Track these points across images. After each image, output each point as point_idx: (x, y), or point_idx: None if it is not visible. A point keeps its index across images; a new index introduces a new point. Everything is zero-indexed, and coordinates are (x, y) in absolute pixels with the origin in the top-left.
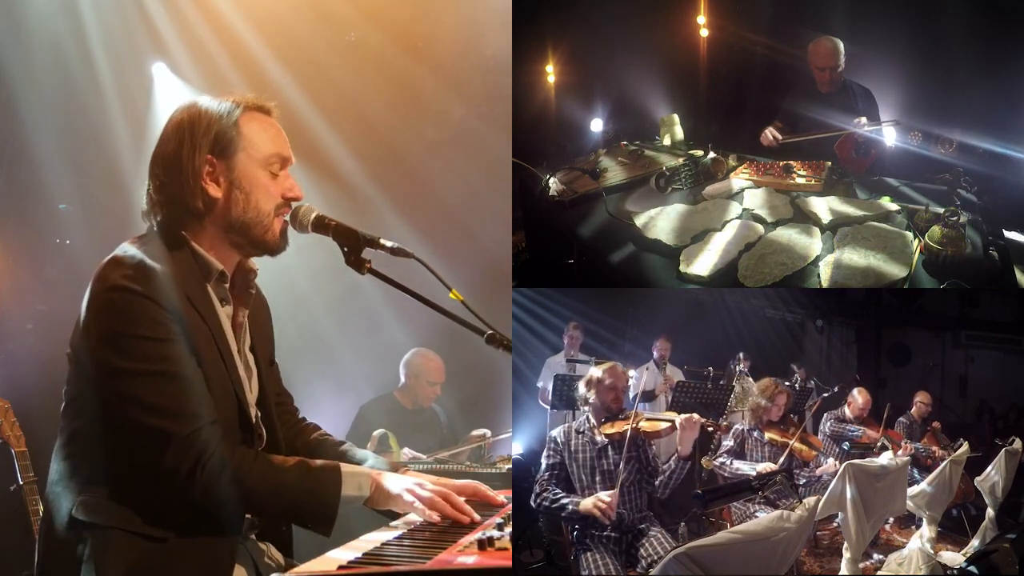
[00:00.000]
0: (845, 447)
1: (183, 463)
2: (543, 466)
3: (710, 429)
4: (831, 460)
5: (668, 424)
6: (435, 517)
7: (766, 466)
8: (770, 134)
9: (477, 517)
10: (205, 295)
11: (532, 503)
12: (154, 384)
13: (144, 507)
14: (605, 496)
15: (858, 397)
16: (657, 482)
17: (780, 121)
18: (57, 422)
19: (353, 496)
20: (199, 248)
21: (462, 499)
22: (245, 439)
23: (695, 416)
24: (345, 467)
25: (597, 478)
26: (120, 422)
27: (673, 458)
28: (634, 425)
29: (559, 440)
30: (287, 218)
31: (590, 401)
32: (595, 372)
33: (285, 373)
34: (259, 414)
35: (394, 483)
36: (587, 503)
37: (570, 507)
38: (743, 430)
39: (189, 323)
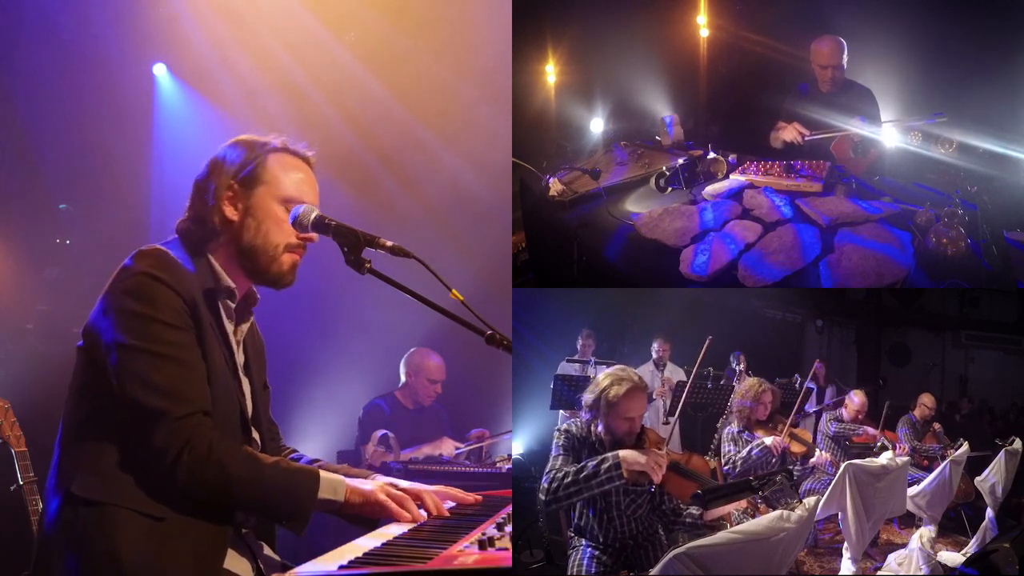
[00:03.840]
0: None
1: (172, 444)
2: (556, 455)
3: (753, 510)
4: (823, 452)
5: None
6: (406, 516)
7: (775, 440)
8: (795, 130)
9: (444, 511)
10: (215, 305)
11: (546, 494)
12: (159, 365)
13: (141, 485)
14: (661, 452)
15: (855, 398)
16: (674, 533)
17: (784, 120)
18: (57, 420)
19: (328, 499)
20: (216, 264)
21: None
22: (243, 443)
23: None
24: (324, 473)
25: (611, 498)
26: (121, 400)
27: (695, 513)
28: (659, 485)
29: (574, 433)
30: (301, 255)
31: (599, 425)
32: (607, 392)
33: (289, 375)
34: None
35: (368, 486)
36: (636, 456)
37: (608, 462)
38: (733, 433)
39: (201, 323)
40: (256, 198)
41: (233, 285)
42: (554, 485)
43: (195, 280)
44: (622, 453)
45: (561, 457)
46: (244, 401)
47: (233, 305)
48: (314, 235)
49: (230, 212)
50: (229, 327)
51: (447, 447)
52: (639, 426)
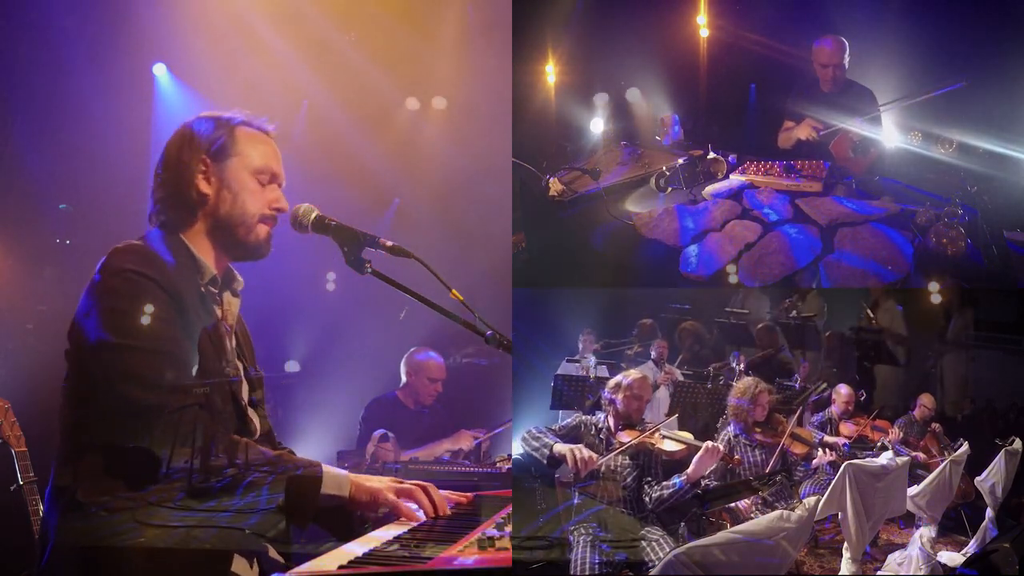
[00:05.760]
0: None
1: (170, 436)
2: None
3: (728, 464)
4: (823, 451)
5: (684, 447)
6: (417, 517)
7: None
8: (809, 127)
9: (447, 509)
10: (199, 292)
11: (521, 435)
12: (150, 361)
13: (146, 488)
14: (587, 451)
15: (842, 391)
16: (655, 495)
17: (789, 119)
18: (55, 421)
19: (332, 495)
20: (195, 250)
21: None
22: (240, 431)
23: (719, 447)
24: (327, 468)
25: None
26: (114, 400)
27: (680, 479)
28: (650, 441)
29: (584, 420)
30: (273, 226)
31: (615, 404)
32: (625, 379)
33: (290, 375)
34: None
35: (374, 482)
36: (564, 447)
37: (547, 450)
38: (730, 435)
39: (187, 313)
40: (229, 171)
41: (215, 271)
42: (525, 434)
43: (176, 271)
44: (556, 447)
45: (556, 427)
46: (239, 388)
47: (216, 291)
48: (285, 205)
49: (204, 187)
50: (217, 312)
51: (465, 440)
52: (644, 409)
